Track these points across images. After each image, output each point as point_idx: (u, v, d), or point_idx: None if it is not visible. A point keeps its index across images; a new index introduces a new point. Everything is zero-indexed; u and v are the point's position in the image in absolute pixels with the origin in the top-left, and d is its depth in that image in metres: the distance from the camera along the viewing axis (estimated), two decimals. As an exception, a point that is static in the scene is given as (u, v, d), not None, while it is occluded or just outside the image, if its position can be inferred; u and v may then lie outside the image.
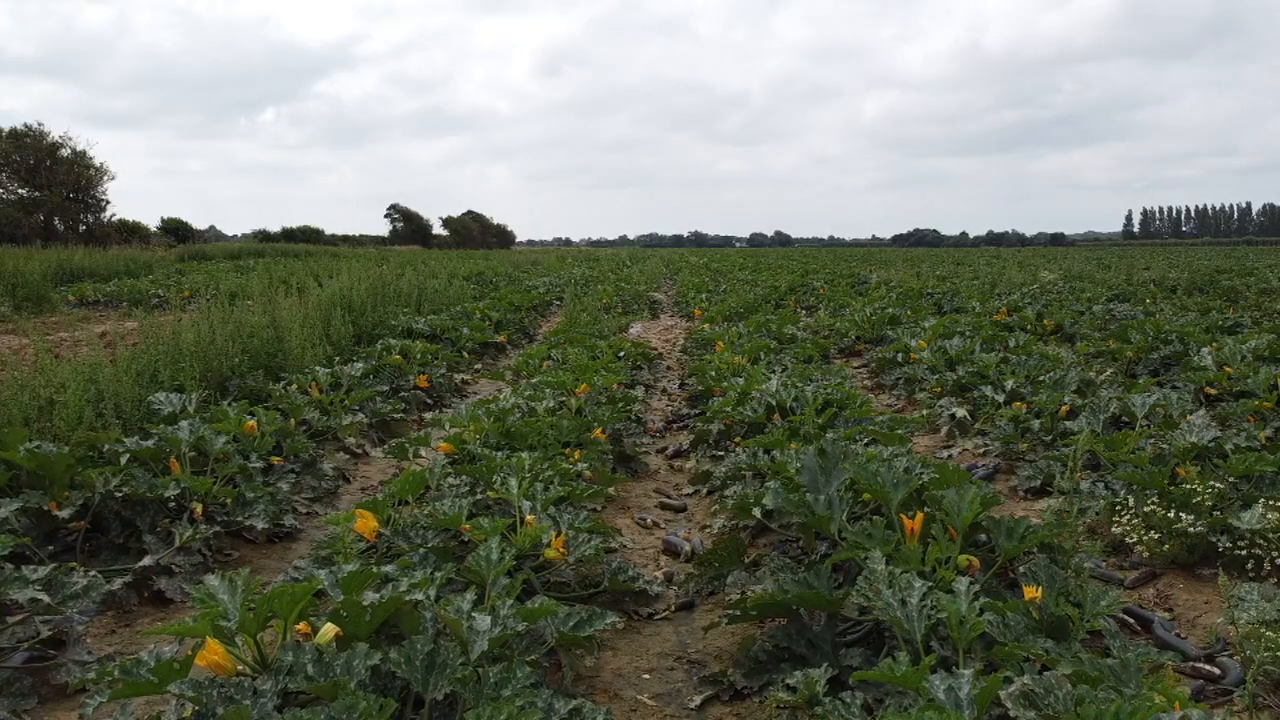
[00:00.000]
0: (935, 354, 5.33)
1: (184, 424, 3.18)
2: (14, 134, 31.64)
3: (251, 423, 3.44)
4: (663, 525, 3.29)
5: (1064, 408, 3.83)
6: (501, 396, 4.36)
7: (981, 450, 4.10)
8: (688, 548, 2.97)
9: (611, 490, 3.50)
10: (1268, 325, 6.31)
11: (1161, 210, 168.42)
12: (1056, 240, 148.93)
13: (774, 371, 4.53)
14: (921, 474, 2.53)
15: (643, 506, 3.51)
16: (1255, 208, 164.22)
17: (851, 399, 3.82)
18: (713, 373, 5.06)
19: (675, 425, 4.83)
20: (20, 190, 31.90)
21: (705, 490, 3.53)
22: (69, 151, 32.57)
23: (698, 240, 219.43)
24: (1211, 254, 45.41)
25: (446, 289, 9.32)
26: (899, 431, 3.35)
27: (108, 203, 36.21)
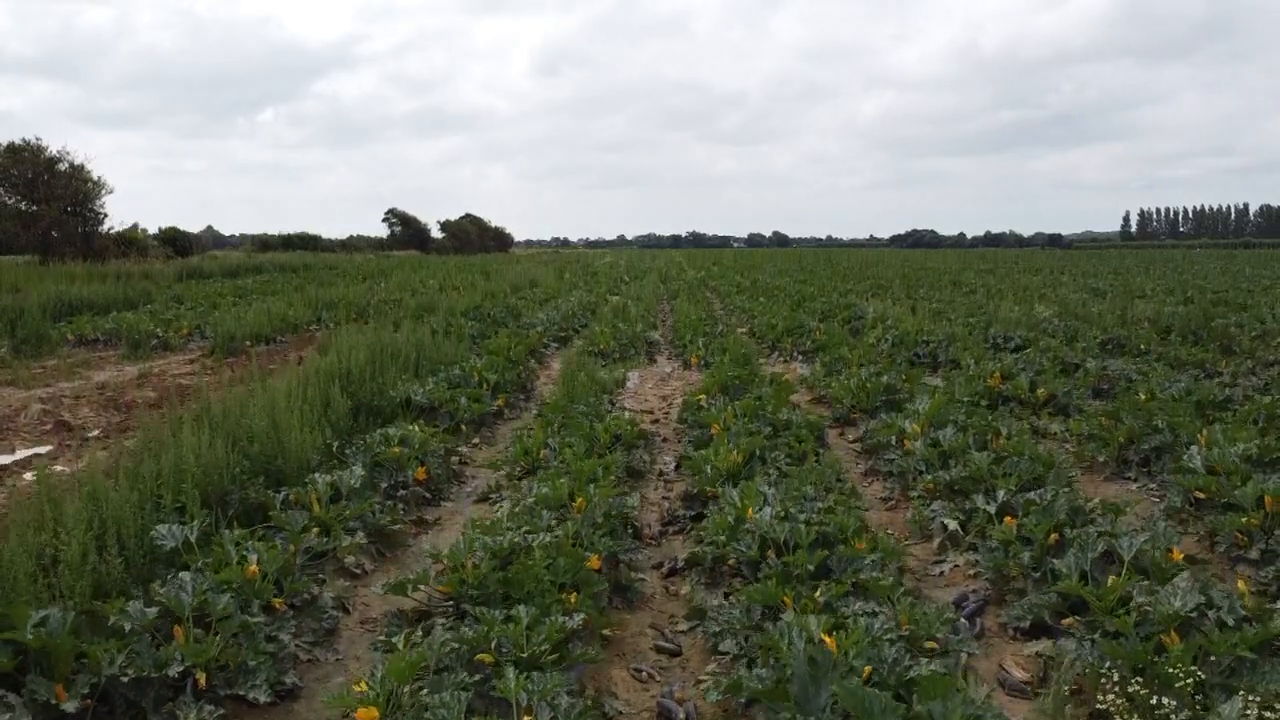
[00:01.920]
0: (928, 447, 5.39)
1: (187, 580, 3.24)
2: (12, 148, 31.66)
3: (253, 568, 3.50)
4: (658, 676, 3.35)
5: (1053, 537, 3.89)
6: (498, 515, 4.42)
7: (973, 572, 4.17)
8: (682, 714, 3.02)
9: (606, 630, 3.56)
10: (1252, 407, 6.37)
11: (1159, 211, 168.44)
12: (1054, 241, 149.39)
13: (768, 484, 4.59)
14: (910, 667, 2.59)
15: (638, 649, 3.57)
16: (1253, 208, 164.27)
17: (844, 530, 3.88)
18: (708, 469, 5.13)
19: (672, 529, 4.88)
20: (19, 204, 31.88)
21: (701, 631, 3.58)
22: (67, 165, 32.59)
23: (696, 241, 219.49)
24: (1209, 260, 45.48)
25: (443, 343, 9.36)
26: (888, 580, 3.42)
27: (105, 215, 36.19)
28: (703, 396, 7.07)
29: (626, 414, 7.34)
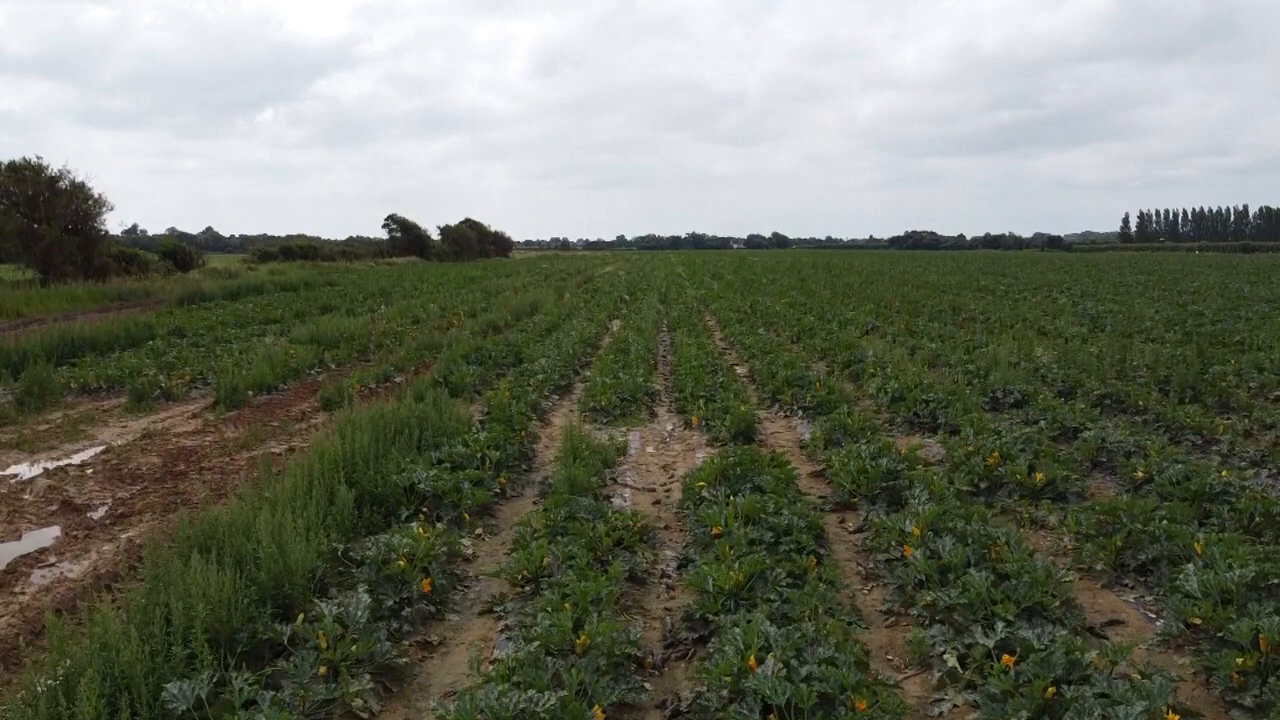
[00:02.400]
0: (927, 560, 5.45)
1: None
2: (13, 167, 31.77)
3: (263, 741, 3.56)
4: None
5: (1050, 691, 3.95)
6: (504, 655, 4.48)
7: (972, 716, 4.23)
8: None
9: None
10: (1249, 501, 6.42)
11: (1159, 213, 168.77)
12: (1054, 243, 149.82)
13: (770, 618, 4.65)
14: None
15: (642, 819, 3.63)
16: (1252, 210, 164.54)
17: (845, 686, 3.94)
18: (710, 585, 5.20)
19: (674, 654, 4.94)
20: (21, 222, 31.89)
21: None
22: (67, 183, 32.71)
23: (696, 242, 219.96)
24: (1209, 271, 45.57)
25: (445, 405, 9.42)
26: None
27: (106, 232, 36.28)
28: (704, 485, 7.13)
29: (628, 503, 7.42)
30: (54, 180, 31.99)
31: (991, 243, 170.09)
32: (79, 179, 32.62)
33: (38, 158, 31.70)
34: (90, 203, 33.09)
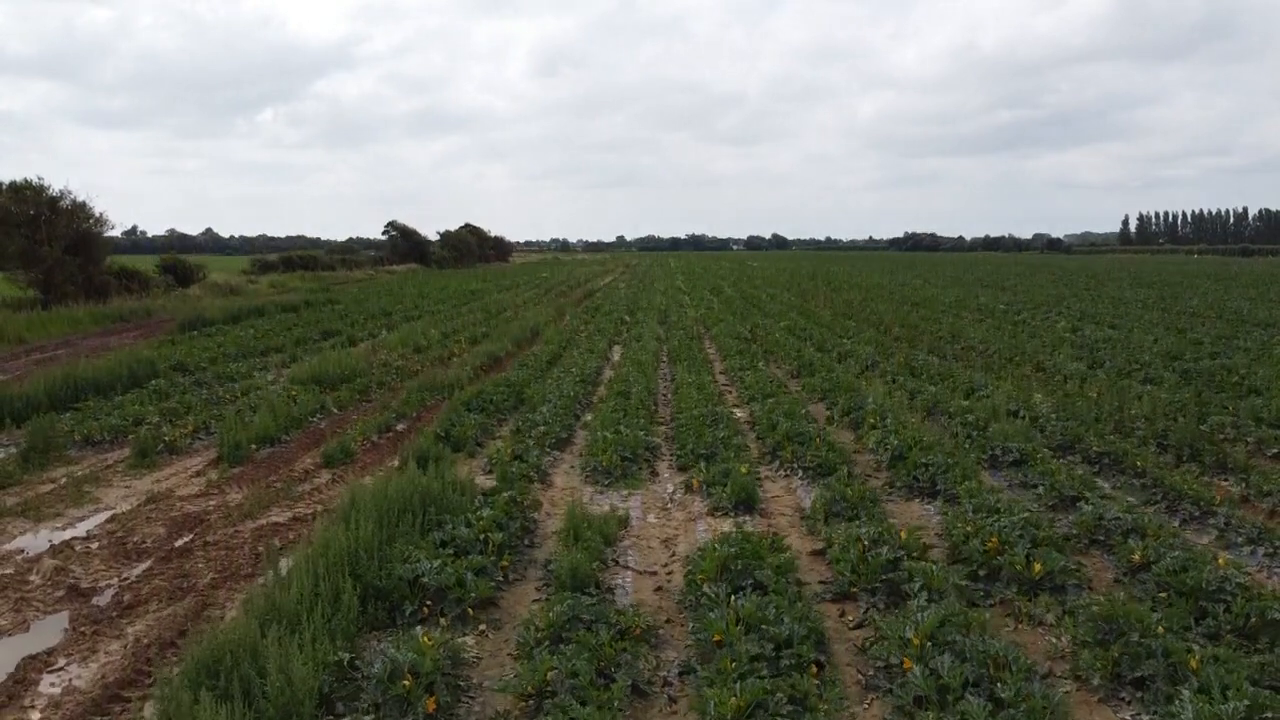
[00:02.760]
0: (927, 680, 5.52)
1: None
2: (14, 187, 31.83)
3: None
4: None
5: None
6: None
7: None
8: None
9: None
10: (1243, 604, 6.49)
11: (1158, 215, 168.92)
12: (1053, 245, 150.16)
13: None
14: None
15: None
16: (1252, 212, 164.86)
17: None
18: (712, 712, 5.27)
19: (676, 786, 5.01)
20: (22, 242, 31.92)
21: None
22: (69, 203, 32.76)
23: (695, 243, 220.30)
24: (1209, 283, 45.65)
25: (451, 470, 9.49)
26: None
27: (110, 240, 36.34)
28: (704, 579, 7.20)
29: (630, 594, 7.49)
30: (55, 200, 32.06)
31: (991, 244, 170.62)
32: (80, 198, 32.72)
33: (39, 178, 31.83)
34: (91, 221, 33.18)
